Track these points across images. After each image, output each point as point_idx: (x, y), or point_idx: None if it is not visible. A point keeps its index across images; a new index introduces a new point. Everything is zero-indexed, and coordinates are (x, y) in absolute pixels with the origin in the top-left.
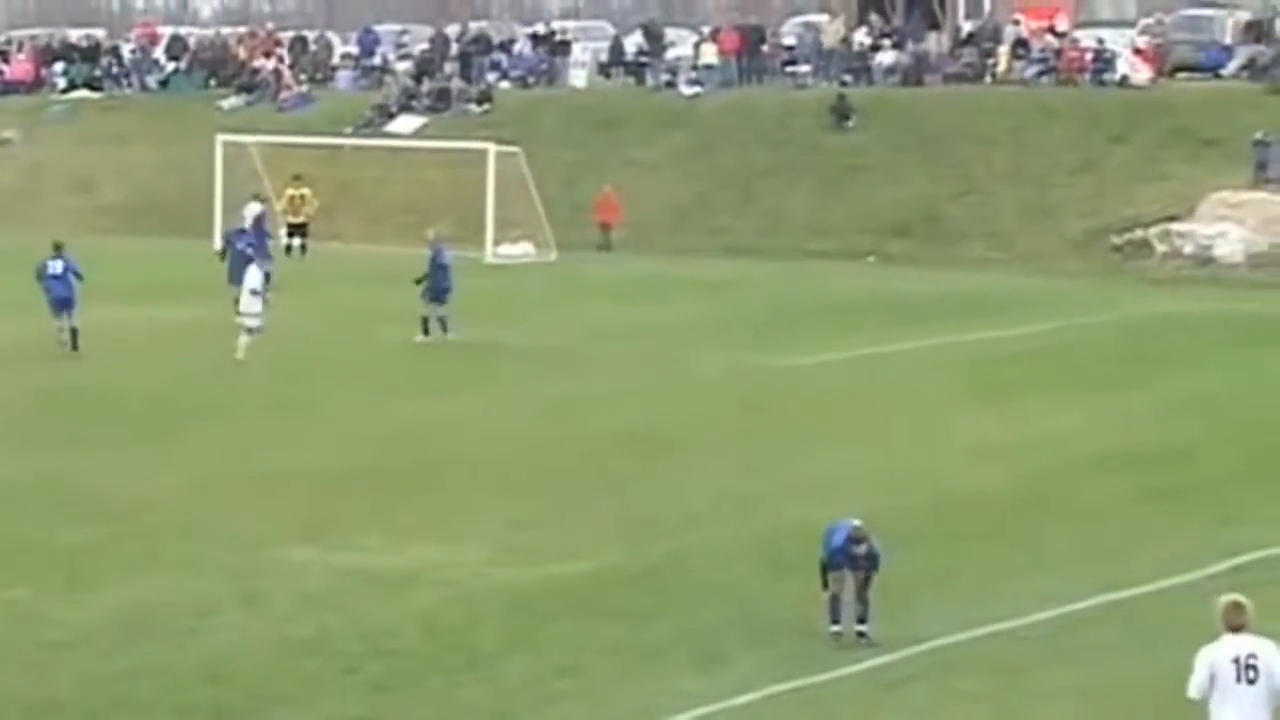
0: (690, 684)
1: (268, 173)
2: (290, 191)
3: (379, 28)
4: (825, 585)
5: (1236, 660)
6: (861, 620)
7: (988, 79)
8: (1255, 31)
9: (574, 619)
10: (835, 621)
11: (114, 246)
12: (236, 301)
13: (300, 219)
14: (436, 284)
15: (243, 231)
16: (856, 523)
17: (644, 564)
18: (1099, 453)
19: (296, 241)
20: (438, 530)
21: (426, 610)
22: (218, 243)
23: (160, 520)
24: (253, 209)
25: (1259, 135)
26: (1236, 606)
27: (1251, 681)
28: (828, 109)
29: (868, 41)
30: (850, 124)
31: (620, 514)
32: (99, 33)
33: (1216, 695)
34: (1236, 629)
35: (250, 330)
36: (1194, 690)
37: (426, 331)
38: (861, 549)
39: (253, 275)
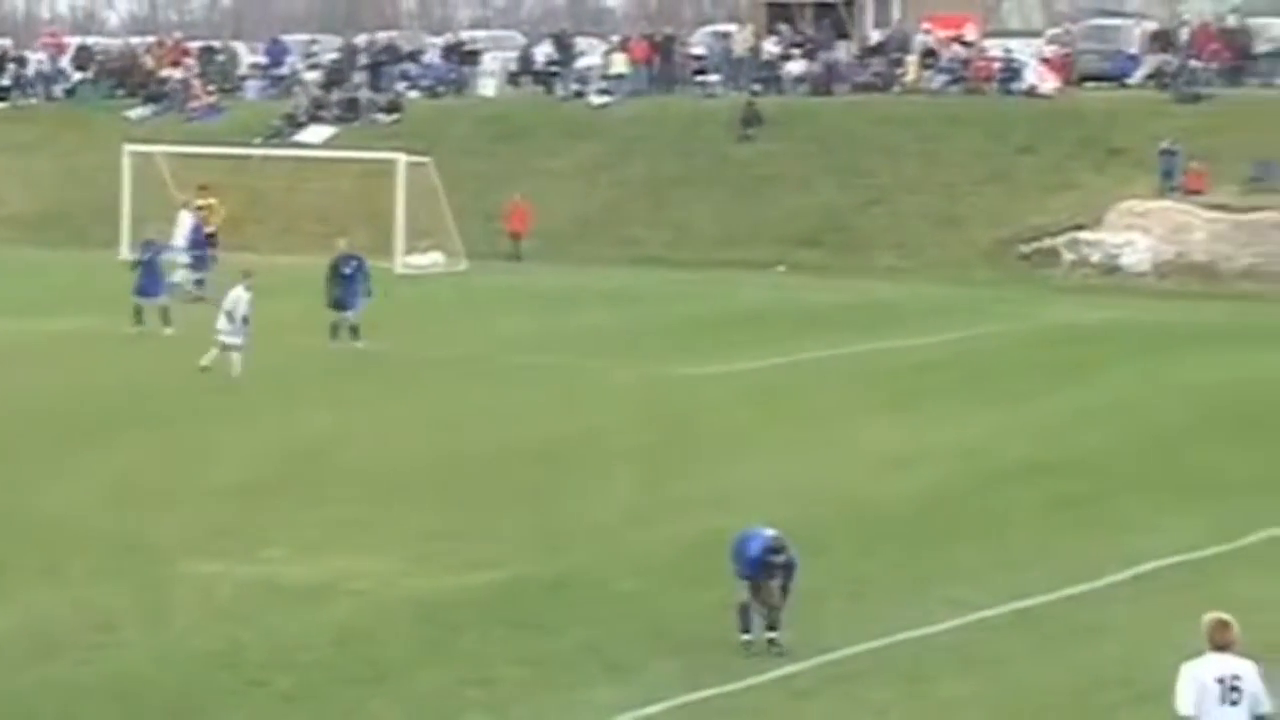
0: (601, 694)
1: (176, 183)
2: (197, 202)
3: (287, 38)
4: (755, 592)
5: (1221, 680)
6: (773, 628)
7: (896, 88)
8: (1162, 41)
9: (485, 629)
10: (746, 630)
11: (19, 257)
12: (137, 311)
13: (208, 229)
14: (363, 290)
15: (150, 242)
16: (772, 532)
17: (555, 574)
18: (1007, 461)
19: (205, 252)
20: (347, 541)
21: (337, 622)
22: (126, 253)
23: (65, 533)
24: (186, 219)
25: (1165, 144)
26: (1223, 625)
27: (1234, 704)
28: (738, 118)
29: (777, 51)
30: (751, 133)
31: (531, 524)
32: (4, 41)
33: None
34: (1222, 647)
35: (227, 347)
36: (1186, 707)
37: (357, 337)
38: (780, 558)
39: (231, 298)
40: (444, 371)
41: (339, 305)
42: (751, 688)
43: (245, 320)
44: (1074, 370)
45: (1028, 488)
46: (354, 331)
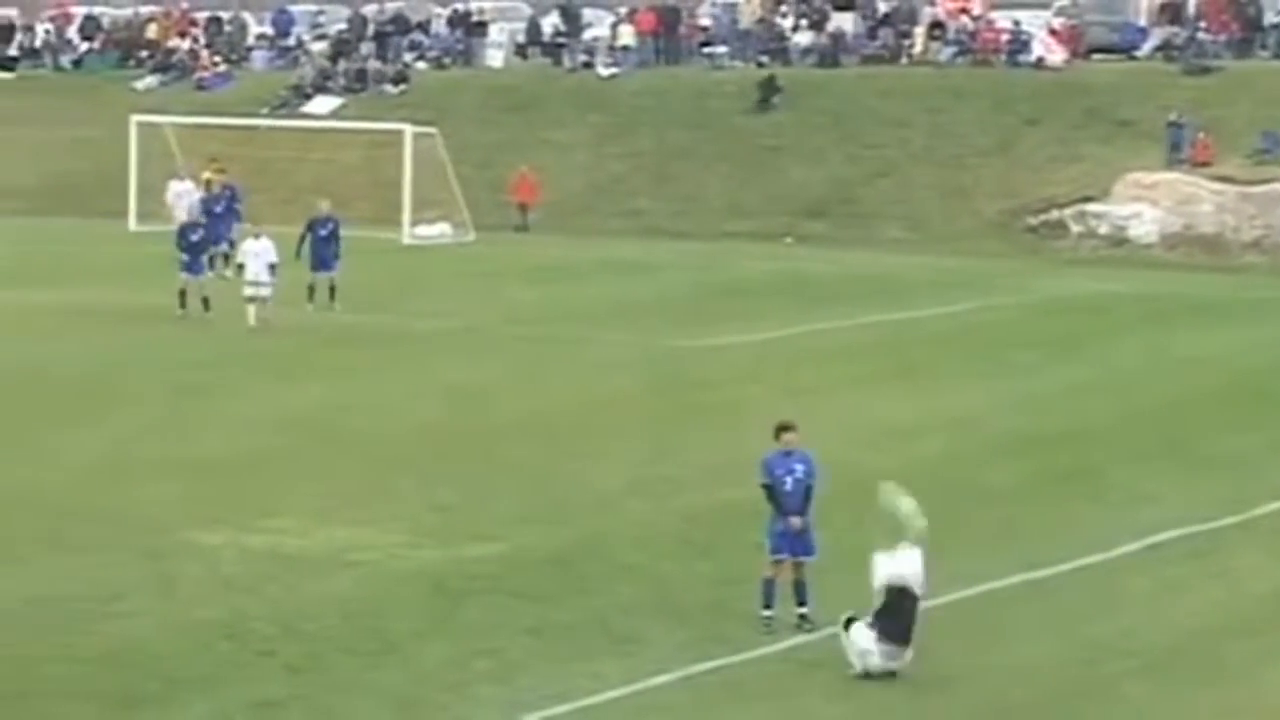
0: (606, 665)
1: (183, 153)
2: (207, 175)
3: (294, 8)
4: (777, 509)
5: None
6: (801, 603)
7: (904, 60)
8: (1170, 13)
9: (490, 601)
10: (767, 606)
11: (25, 229)
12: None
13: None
14: (336, 251)
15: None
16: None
17: (560, 546)
18: (1012, 433)
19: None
20: (351, 513)
21: (341, 593)
22: (134, 224)
23: (67, 504)
24: (192, 189)
25: (1173, 116)
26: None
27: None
28: (755, 87)
29: (785, 22)
30: (775, 104)
31: (535, 496)
32: (11, 12)
33: None
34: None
35: (253, 299)
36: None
37: (334, 299)
38: (791, 438)
39: (247, 251)
40: (449, 342)
41: (317, 266)
42: (759, 658)
43: (272, 268)
44: (1080, 342)
45: (1033, 460)
46: (332, 293)
